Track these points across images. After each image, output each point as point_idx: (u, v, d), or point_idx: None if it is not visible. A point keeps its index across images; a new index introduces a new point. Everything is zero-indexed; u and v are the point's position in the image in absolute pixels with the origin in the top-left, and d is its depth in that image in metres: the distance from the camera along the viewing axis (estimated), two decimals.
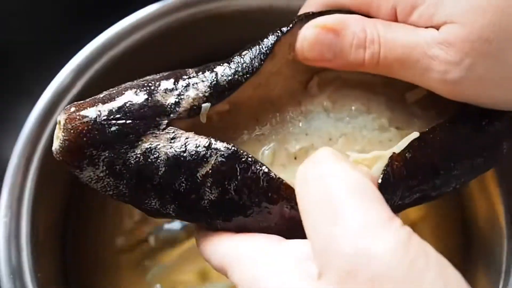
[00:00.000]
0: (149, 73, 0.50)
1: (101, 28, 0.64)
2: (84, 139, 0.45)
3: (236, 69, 0.47)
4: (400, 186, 0.46)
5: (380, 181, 0.44)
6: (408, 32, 0.46)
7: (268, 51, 0.47)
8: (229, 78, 0.47)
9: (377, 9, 0.47)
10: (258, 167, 0.44)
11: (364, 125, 0.51)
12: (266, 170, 0.44)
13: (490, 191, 0.68)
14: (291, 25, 0.48)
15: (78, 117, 0.45)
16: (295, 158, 0.50)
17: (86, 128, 0.45)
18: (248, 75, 0.47)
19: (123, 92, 0.46)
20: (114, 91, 0.47)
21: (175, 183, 0.45)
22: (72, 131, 0.44)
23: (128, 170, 0.45)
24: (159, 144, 0.45)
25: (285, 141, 0.50)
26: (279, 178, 0.44)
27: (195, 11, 0.66)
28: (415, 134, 0.47)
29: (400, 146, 0.46)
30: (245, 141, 0.50)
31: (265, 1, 0.66)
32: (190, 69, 0.48)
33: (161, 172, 0.45)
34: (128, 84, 0.48)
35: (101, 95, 0.47)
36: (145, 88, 0.46)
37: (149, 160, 0.45)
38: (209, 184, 0.45)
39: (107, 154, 0.45)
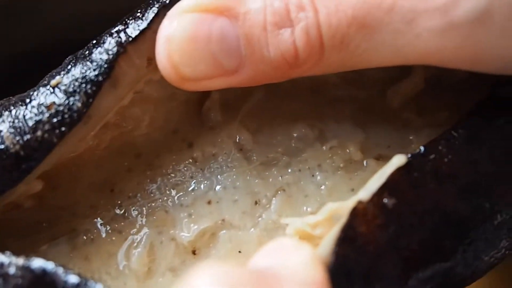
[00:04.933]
0: None
1: None
2: None
3: (38, 116, 0.37)
4: (379, 268, 0.36)
5: (332, 264, 0.34)
6: None
7: (101, 78, 0.37)
8: (26, 137, 0.37)
9: None
10: None
11: (318, 165, 0.42)
12: None
13: None
14: (140, 23, 0.38)
15: None
16: (194, 252, 0.40)
17: None
18: (64, 128, 0.36)
19: None
20: None
21: None
22: None
23: None
24: None
25: (169, 224, 0.41)
26: None
27: None
28: (399, 160, 0.37)
29: (369, 187, 0.36)
30: (91, 238, 0.41)
31: None
32: None
33: None
34: None
35: None
36: None
37: None
38: None
39: None
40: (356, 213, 0.35)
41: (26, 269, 0.33)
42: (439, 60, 0.37)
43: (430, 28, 0.36)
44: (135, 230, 0.40)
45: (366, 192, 0.36)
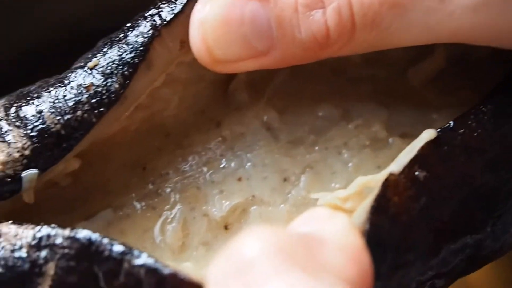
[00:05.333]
0: None
1: None
2: None
3: (78, 96, 0.38)
4: (411, 238, 0.36)
5: (366, 233, 0.35)
6: None
7: (137, 60, 0.38)
8: (67, 117, 0.37)
9: None
10: (135, 261, 0.34)
11: (344, 143, 0.42)
12: (149, 262, 0.33)
13: None
14: (174, 7, 0.39)
15: None
16: (226, 228, 0.41)
17: None
18: (102, 109, 0.37)
19: None
20: None
21: None
22: None
23: None
24: None
25: (202, 200, 0.42)
26: (175, 274, 0.33)
27: None
28: (429, 134, 0.37)
29: (401, 160, 0.37)
30: (126, 214, 0.41)
31: None
32: None
33: None
34: None
35: None
36: None
37: None
38: None
39: None
40: (388, 184, 0.36)
41: (72, 239, 0.34)
42: (471, 37, 0.38)
43: (463, 5, 0.36)
44: (168, 206, 0.41)
45: (397, 165, 0.37)
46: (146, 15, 0.39)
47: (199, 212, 0.41)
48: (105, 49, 0.39)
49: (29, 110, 0.38)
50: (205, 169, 0.42)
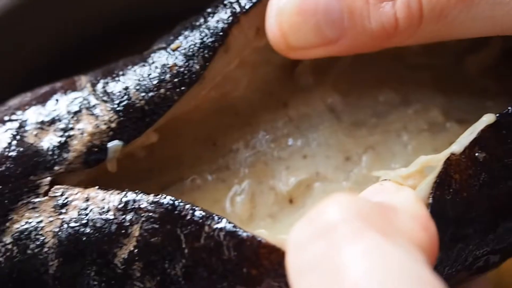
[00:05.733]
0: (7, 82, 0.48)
1: None
2: None
3: (161, 75, 0.40)
4: (471, 213, 0.38)
5: (429, 206, 0.37)
6: None
7: (217, 44, 0.40)
8: (150, 94, 0.39)
9: None
10: (215, 225, 0.36)
11: (403, 126, 0.43)
12: (229, 227, 0.36)
13: None
14: None
15: None
16: (291, 201, 0.42)
17: None
18: (183, 87, 0.39)
19: None
20: None
21: (81, 284, 0.37)
22: None
23: None
24: (41, 221, 0.37)
25: (269, 175, 0.43)
26: (253, 237, 0.35)
27: None
28: (489, 118, 0.38)
29: (462, 141, 0.38)
30: (198, 185, 0.43)
31: None
32: (81, 77, 0.41)
33: (53, 268, 0.37)
34: None
35: None
36: (3, 126, 0.40)
37: (28, 251, 0.37)
38: (138, 274, 0.37)
39: None
40: (450, 163, 0.37)
41: (157, 203, 0.36)
42: None
43: None
44: (237, 180, 0.42)
45: (458, 145, 0.38)
46: (225, 2, 0.40)
47: (266, 186, 0.42)
48: (186, 32, 0.40)
49: (115, 87, 0.40)
50: (272, 146, 0.43)
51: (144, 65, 0.40)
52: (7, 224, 0.38)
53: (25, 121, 0.40)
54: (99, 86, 0.40)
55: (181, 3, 0.55)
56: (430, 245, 0.32)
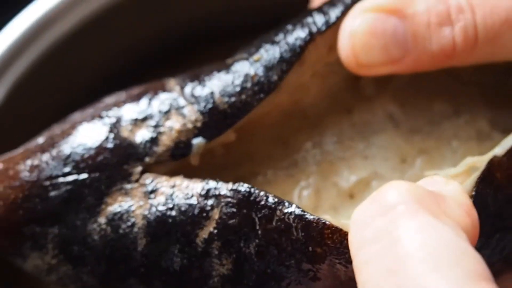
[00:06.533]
0: (96, 75, 0.47)
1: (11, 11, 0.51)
2: (20, 212, 0.40)
3: (243, 83, 0.41)
4: (510, 208, 0.39)
5: (473, 198, 0.38)
6: None
7: (294, 59, 0.41)
8: (233, 99, 0.41)
9: None
10: (286, 210, 0.37)
11: (454, 134, 0.44)
12: (298, 211, 0.37)
13: None
14: (328, 18, 0.42)
15: (6, 179, 0.40)
16: (351, 196, 0.43)
17: (21, 195, 0.40)
18: (262, 95, 0.41)
19: (70, 131, 0.41)
20: (57, 130, 0.42)
21: (165, 260, 0.39)
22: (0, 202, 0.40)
23: (92, 251, 0.40)
24: (132, 205, 0.39)
25: (333, 172, 0.44)
26: (318, 219, 0.37)
27: None
28: None
29: (504, 145, 0.39)
30: (268, 179, 0.44)
31: None
32: (170, 80, 0.42)
33: (141, 246, 0.39)
34: (75, 116, 0.42)
35: (39, 140, 0.42)
36: (101, 120, 0.41)
37: (120, 230, 0.39)
38: (216, 252, 0.38)
39: (57, 231, 0.40)
40: (493, 163, 0.38)
41: (235, 191, 0.38)
42: None
43: None
44: (304, 176, 0.43)
45: (501, 148, 0.39)
46: (303, 21, 0.42)
47: (330, 182, 0.43)
48: (267, 46, 0.41)
49: (202, 91, 0.41)
50: (337, 147, 0.44)
51: (228, 73, 0.41)
52: (102, 206, 0.39)
53: (121, 117, 0.41)
54: (187, 89, 0.41)
55: (250, 17, 0.58)
56: (472, 228, 0.34)
